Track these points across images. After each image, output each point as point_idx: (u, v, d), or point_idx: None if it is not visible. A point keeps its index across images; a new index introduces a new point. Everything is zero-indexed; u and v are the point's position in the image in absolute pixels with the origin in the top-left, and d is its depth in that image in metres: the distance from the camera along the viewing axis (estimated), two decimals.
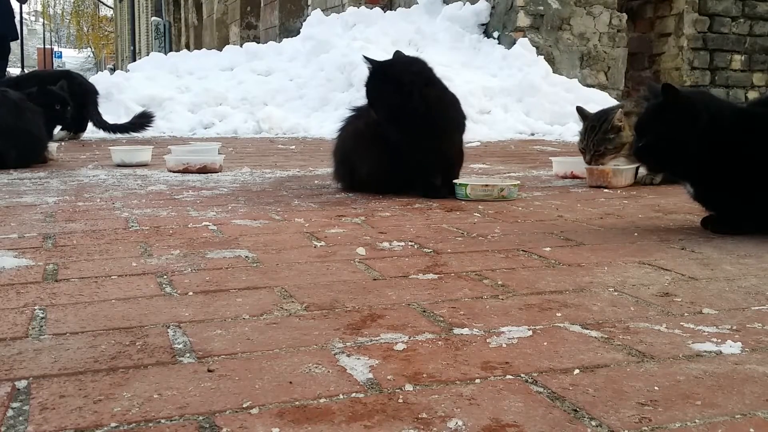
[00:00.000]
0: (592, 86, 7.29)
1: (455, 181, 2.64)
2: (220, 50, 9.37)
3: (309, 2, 11.81)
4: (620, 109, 2.89)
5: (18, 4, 9.17)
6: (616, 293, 1.34)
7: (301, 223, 2.10)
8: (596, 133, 2.85)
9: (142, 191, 2.83)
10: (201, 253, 1.69)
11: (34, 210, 2.37)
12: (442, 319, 1.19)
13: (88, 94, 5.88)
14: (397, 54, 2.65)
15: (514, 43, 7.20)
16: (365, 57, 2.55)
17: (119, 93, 7.02)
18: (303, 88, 7.32)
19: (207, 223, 2.10)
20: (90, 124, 5.96)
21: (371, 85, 2.51)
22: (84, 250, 1.73)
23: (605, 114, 2.92)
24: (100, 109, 5.93)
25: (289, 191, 2.79)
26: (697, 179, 1.92)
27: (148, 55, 10.96)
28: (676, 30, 8.28)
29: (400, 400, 0.87)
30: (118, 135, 5.87)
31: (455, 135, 2.64)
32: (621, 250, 1.73)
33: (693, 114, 1.84)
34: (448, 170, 2.67)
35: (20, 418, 0.83)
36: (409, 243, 1.80)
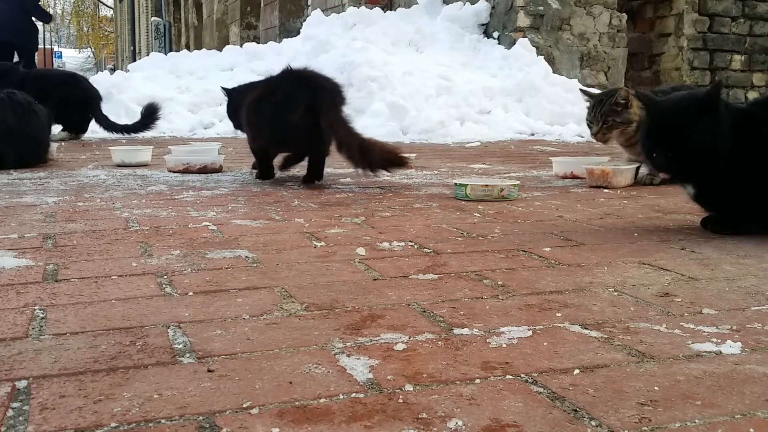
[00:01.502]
0: (592, 86, 7.27)
1: (455, 181, 2.65)
2: (220, 50, 9.36)
3: (309, 2, 11.81)
4: (627, 87, 2.90)
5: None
6: (616, 293, 1.34)
7: (301, 223, 2.10)
8: (603, 105, 2.85)
9: (142, 191, 2.83)
10: (201, 253, 1.69)
11: (34, 210, 2.37)
12: (442, 319, 1.19)
13: (92, 99, 5.89)
14: (243, 85, 3.43)
15: (514, 44, 7.20)
16: (222, 87, 3.51)
17: (119, 93, 7.02)
18: None
19: (207, 223, 2.10)
20: (95, 126, 5.98)
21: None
22: (84, 250, 1.73)
23: (614, 91, 2.94)
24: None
25: (289, 191, 2.80)
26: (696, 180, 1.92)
27: (148, 56, 10.96)
28: (676, 30, 8.28)
29: (400, 400, 0.87)
30: (131, 135, 5.85)
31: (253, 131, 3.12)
32: (621, 250, 1.73)
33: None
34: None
35: (20, 418, 0.83)
36: (409, 243, 1.80)
